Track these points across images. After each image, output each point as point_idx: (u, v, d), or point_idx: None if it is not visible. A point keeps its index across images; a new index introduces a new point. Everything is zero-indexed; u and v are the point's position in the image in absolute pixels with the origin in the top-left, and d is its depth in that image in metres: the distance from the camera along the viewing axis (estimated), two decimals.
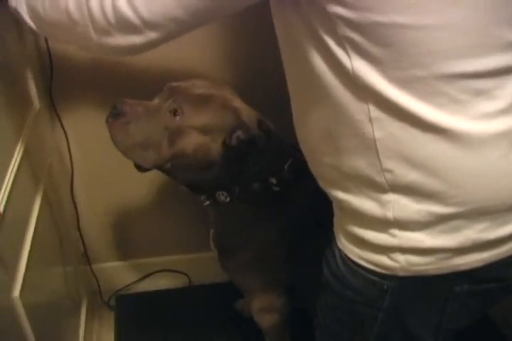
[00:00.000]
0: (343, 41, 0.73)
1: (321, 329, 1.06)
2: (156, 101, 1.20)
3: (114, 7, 0.84)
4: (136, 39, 0.87)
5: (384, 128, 0.77)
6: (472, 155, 0.77)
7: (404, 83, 0.74)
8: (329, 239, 0.98)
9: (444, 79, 0.73)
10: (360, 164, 0.82)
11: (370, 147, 0.79)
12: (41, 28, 0.97)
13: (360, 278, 0.90)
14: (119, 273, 1.90)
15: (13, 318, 1.00)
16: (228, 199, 1.23)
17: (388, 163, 0.79)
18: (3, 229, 0.96)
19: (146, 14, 0.83)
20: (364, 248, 0.88)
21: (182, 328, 1.74)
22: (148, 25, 0.85)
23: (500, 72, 0.75)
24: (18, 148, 1.14)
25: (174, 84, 1.20)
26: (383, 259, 0.86)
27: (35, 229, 1.15)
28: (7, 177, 1.04)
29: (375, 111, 0.77)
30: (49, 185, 1.38)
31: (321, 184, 0.95)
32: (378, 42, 0.72)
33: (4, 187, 1.01)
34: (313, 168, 0.95)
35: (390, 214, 0.82)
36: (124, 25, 0.86)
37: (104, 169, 1.66)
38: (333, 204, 0.95)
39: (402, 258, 0.84)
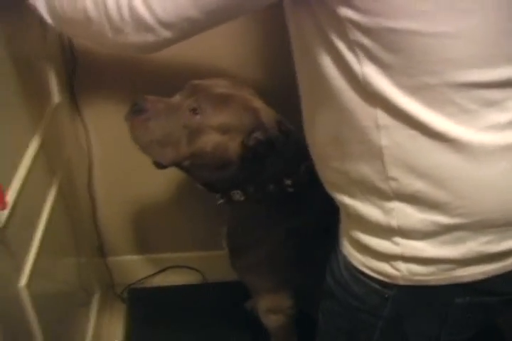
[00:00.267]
0: (353, 45, 0.72)
1: (321, 335, 1.06)
2: (177, 98, 1.20)
3: (130, 6, 0.85)
4: (150, 38, 0.88)
5: (391, 136, 0.77)
6: (479, 166, 0.76)
7: (413, 90, 0.73)
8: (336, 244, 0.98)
9: (455, 88, 0.72)
10: (366, 170, 0.81)
11: (376, 154, 0.79)
12: (59, 24, 0.98)
13: (362, 286, 0.89)
14: (133, 267, 1.91)
15: (19, 308, 1.02)
16: (243, 198, 1.23)
17: (394, 171, 0.79)
18: (14, 219, 0.97)
19: (161, 13, 0.83)
20: (367, 255, 0.87)
21: (192, 324, 1.75)
22: (162, 24, 0.85)
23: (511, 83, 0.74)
24: (34, 140, 1.16)
25: (196, 82, 1.20)
26: (385, 267, 0.85)
27: (47, 220, 1.17)
28: (21, 167, 1.06)
29: (383, 118, 0.76)
30: (65, 178, 1.40)
31: (328, 188, 0.94)
32: (389, 48, 0.71)
33: (18, 177, 1.03)
34: (320, 172, 0.95)
35: (393, 222, 0.82)
36: (139, 24, 0.86)
37: (123, 164, 1.67)
38: (340, 210, 0.95)
39: (404, 267, 0.84)
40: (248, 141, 1.14)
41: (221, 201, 1.27)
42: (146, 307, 1.83)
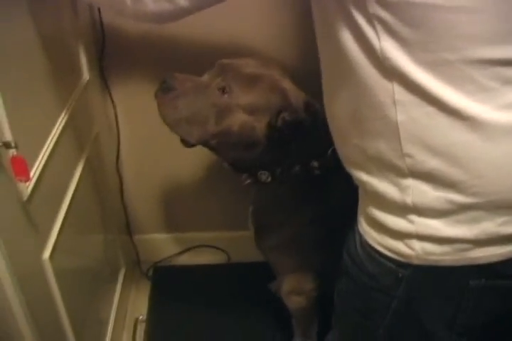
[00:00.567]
0: (373, 19, 0.72)
1: (336, 315, 1.07)
2: (205, 77, 1.21)
3: None
4: (168, 7, 0.90)
5: (407, 112, 0.76)
6: (495, 145, 0.75)
7: (431, 66, 0.72)
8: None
9: (473, 65, 0.71)
10: (383, 147, 0.81)
11: (392, 130, 0.78)
12: None
13: (376, 265, 0.89)
14: (159, 245, 1.94)
15: (42, 281, 1.04)
16: (269, 179, 1.24)
17: (409, 148, 0.78)
18: (39, 193, 0.99)
19: None
20: (382, 233, 0.87)
21: (215, 304, 1.77)
22: None
23: None
24: (62, 115, 1.18)
25: (225, 61, 1.20)
26: (400, 246, 0.85)
27: (73, 195, 1.19)
28: (48, 142, 1.07)
29: (399, 94, 0.75)
30: (94, 154, 1.42)
31: (346, 165, 0.94)
32: (408, 22, 0.70)
33: (44, 151, 1.05)
34: (339, 148, 0.95)
35: (409, 200, 0.81)
36: None
37: (151, 142, 1.69)
38: (359, 188, 0.94)
39: (419, 246, 0.83)
40: (276, 121, 1.14)
41: (248, 181, 1.27)
42: (170, 285, 1.86)
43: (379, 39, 0.73)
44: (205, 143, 1.21)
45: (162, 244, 1.93)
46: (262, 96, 1.15)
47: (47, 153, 1.05)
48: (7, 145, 0.85)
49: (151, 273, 1.91)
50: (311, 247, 1.30)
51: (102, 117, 1.57)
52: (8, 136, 0.86)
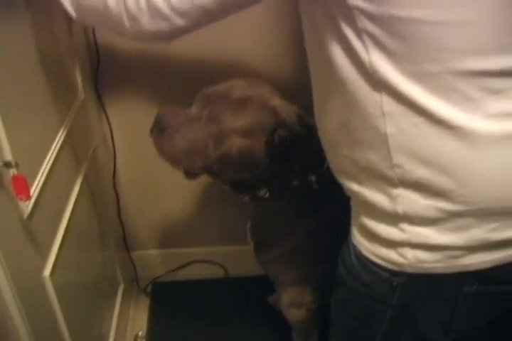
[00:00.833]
0: (361, 33, 0.74)
1: (333, 324, 1.07)
2: (194, 109, 1.21)
3: None
4: (165, 26, 0.92)
5: (396, 123, 0.78)
6: (482, 154, 0.76)
7: (417, 77, 0.74)
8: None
9: (458, 76, 0.73)
10: (373, 158, 0.83)
11: (382, 141, 0.80)
12: (80, 14, 1.03)
13: (371, 274, 0.90)
14: (157, 261, 1.94)
15: (43, 298, 1.05)
16: (267, 195, 1.25)
17: (399, 158, 0.80)
18: (39, 210, 1.01)
19: (175, 2, 0.88)
20: (375, 242, 0.88)
21: (214, 318, 1.78)
22: (176, 12, 0.89)
23: None
24: (60, 133, 1.19)
25: (208, 90, 1.21)
26: (392, 255, 0.86)
27: (72, 211, 1.20)
28: (47, 160, 1.09)
29: (388, 105, 0.77)
30: (91, 171, 1.44)
31: (337, 175, 0.96)
32: (395, 35, 0.73)
33: (43, 169, 1.06)
34: (330, 159, 0.97)
35: (399, 209, 0.83)
36: (154, 13, 0.90)
37: (147, 158, 1.68)
38: (351, 199, 0.96)
39: (411, 254, 0.84)
40: (272, 139, 1.16)
41: (246, 198, 1.29)
42: (169, 301, 1.87)
43: (368, 52, 0.75)
44: (208, 171, 1.23)
45: (160, 260, 1.94)
46: (254, 117, 1.16)
47: (46, 171, 1.06)
48: (8, 165, 0.86)
49: (149, 289, 1.92)
50: (311, 260, 1.31)
51: (98, 134, 1.58)
52: (8, 156, 0.88)
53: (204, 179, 1.76)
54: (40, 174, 1.04)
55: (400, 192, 0.82)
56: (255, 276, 1.80)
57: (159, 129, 1.19)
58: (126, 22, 0.94)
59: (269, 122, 1.16)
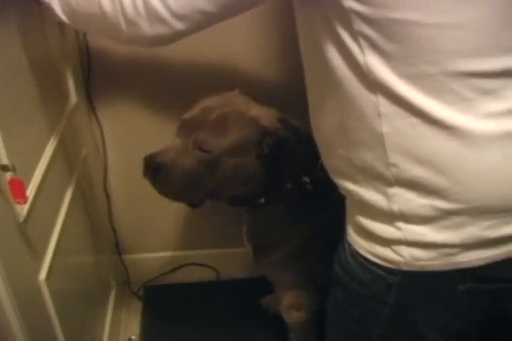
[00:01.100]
0: (357, 36, 0.76)
1: (330, 325, 1.08)
2: (178, 141, 1.22)
3: None
4: (163, 30, 0.91)
5: (392, 124, 0.79)
6: (477, 153, 0.78)
7: (413, 79, 0.76)
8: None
9: (452, 77, 0.75)
10: (369, 157, 0.84)
11: (377, 141, 0.81)
12: (73, 20, 1.01)
13: (367, 273, 0.91)
14: (149, 265, 1.94)
15: (38, 301, 1.05)
16: (263, 201, 1.27)
17: (394, 158, 0.81)
18: (34, 214, 1.01)
19: (174, 5, 0.87)
20: (371, 240, 0.89)
21: (207, 321, 1.78)
22: (175, 16, 0.89)
23: (509, 73, 0.76)
24: (53, 137, 1.20)
25: (185, 117, 1.22)
26: (388, 253, 0.87)
27: (65, 216, 1.20)
28: (40, 165, 1.09)
29: (384, 106, 0.79)
30: (83, 175, 1.44)
31: (332, 175, 0.97)
32: (390, 38, 0.74)
33: (37, 173, 1.06)
34: (325, 159, 0.98)
35: (395, 207, 0.84)
36: (153, 17, 0.90)
37: (138, 163, 1.68)
38: (346, 198, 0.97)
39: (407, 252, 0.85)
40: (261, 150, 1.17)
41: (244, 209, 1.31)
42: (161, 305, 1.86)
43: (363, 54, 0.76)
44: (209, 196, 1.24)
45: (151, 263, 1.94)
46: (238, 133, 1.17)
47: (40, 175, 1.06)
48: (5, 169, 0.86)
49: (141, 292, 1.91)
50: (311, 262, 1.32)
51: (89, 139, 1.59)
52: (5, 160, 0.88)
53: None
54: (34, 178, 1.04)
55: (395, 191, 0.83)
56: (247, 279, 1.82)
57: (154, 171, 1.20)
58: (124, 26, 0.93)
59: (253, 134, 1.17)
